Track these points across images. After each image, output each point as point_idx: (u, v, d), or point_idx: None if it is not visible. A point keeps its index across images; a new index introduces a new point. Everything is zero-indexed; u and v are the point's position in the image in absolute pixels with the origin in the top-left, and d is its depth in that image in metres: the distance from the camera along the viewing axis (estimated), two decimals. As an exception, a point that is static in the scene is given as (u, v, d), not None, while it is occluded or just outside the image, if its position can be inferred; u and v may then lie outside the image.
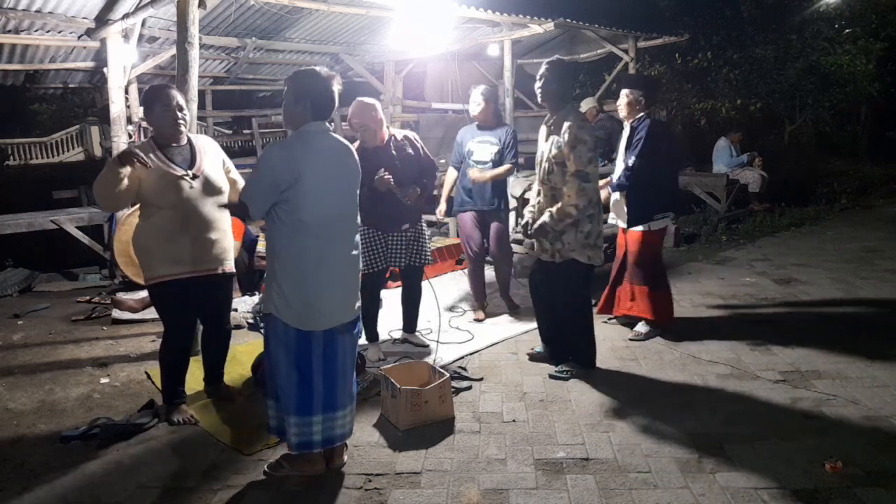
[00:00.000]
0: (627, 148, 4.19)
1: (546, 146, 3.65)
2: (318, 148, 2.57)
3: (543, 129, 3.75)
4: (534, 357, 3.99)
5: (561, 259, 3.63)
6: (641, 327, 4.31)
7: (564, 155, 3.49)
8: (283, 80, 2.67)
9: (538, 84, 3.62)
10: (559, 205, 3.53)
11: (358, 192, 2.78)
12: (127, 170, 2.97)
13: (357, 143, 3.93)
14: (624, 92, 4.20)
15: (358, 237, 2.78)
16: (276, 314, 2.59)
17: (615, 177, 4.27)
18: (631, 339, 4.27)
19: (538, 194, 3.75)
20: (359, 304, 2.79)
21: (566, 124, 3.50)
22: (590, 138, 3.49)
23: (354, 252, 2.74)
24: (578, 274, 3.66)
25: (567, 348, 3.81)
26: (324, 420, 2.63)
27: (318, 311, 2.58)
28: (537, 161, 3.75)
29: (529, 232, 3.69)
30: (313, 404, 2.61)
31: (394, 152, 3.95)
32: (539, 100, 3.66)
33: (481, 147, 4.65)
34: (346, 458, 2.83)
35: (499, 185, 4.73)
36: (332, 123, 2.71)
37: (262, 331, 4.63)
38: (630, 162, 4.06)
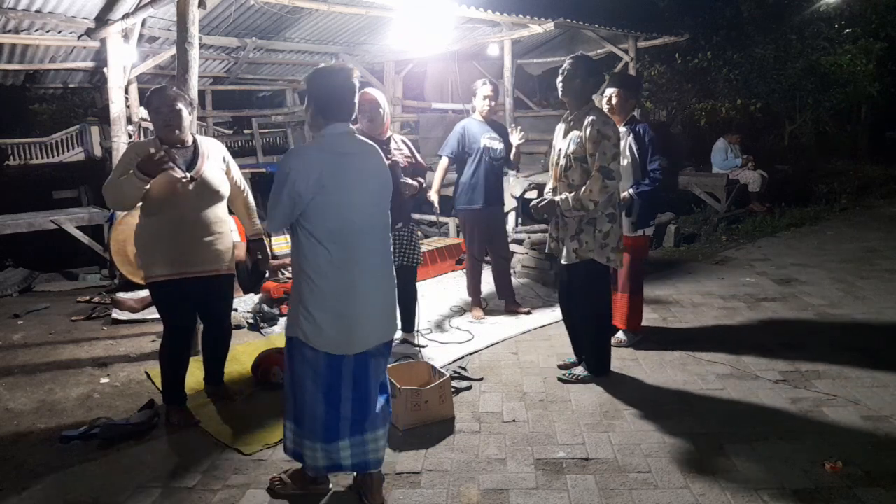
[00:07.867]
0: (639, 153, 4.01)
1: (564, 143, 3.55)
2: (340, 153, 2.34)
3: (561, 126, 3.64)
4: (564, 367, 3.83)
5: (579, 259, 3.54)
6: (622, 335, 4.19)
7: (586, 151, 3.41)
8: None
9: (560, 78, 3.50)
10: (577, 193, 3.41)
11: (389, 197, 2.54)
12: (150, 179, 2.92)
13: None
14: (613, 91, 4.01)
15: (390, 247, 2.54)
16: (304, 339, 2.35)
17: (631, 185, 3.96)
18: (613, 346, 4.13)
19: (553, 192, 3.64)
20: (396, 323, 2.59)
21: (589, 119, 3.41)
22: (613, 134, 3.39)
23: (388, 263, 2.51)
24: (597, 276, 3.57)
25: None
26: (352, 445, 2.44)
27: (353, 333, 2.36)
28: (552, 160, 3.66)
29: (533, 203, 3.59)
30: (340, 430, 2.41)
31: (392, 150, 4.02)
32: (560, 94, 3.54)
33: (493, 143, 4.71)
34: (385, 496, 2.55)
35: (500, 182, 4.78)
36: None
37: (262, 332, 4.70)
38: (654, 166, 3.94)
